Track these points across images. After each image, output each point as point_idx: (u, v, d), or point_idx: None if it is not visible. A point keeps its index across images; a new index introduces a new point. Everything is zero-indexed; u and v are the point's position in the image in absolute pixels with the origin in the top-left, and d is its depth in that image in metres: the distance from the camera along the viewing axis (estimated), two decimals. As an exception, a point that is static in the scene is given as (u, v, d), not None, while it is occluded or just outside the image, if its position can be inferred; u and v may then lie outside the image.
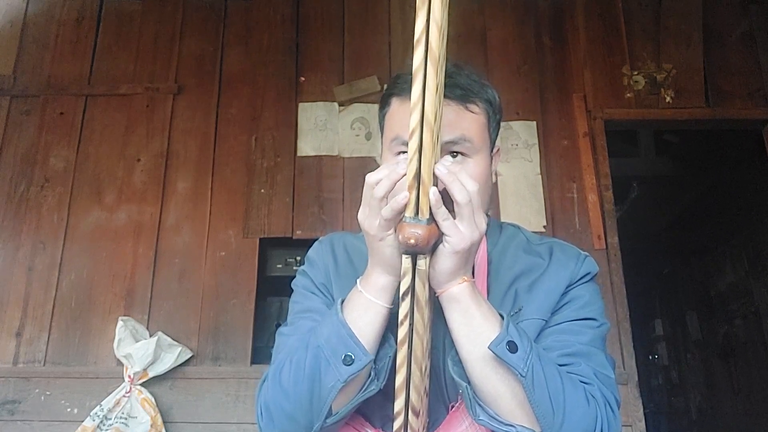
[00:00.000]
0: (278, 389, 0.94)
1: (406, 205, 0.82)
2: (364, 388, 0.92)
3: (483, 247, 1.07)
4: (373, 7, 3.35)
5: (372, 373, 0.92)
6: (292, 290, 1.16)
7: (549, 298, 1.03)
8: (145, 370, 2.60)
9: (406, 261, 0.84)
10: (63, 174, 3.05)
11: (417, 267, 0.84)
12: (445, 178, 0.83)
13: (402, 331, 0.84)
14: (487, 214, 1.03)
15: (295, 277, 1.18)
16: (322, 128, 3.11)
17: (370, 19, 3.32)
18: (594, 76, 3.20)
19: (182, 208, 3.00)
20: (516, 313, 1.00)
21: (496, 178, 1.13)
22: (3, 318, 2.82)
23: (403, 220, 0.82)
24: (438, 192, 0.81)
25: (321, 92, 3.18)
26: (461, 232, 0.84)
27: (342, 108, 3.14)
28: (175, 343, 2.70)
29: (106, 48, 3.31)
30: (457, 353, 0.91)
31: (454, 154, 1.00)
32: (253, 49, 3.28)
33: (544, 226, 2.91)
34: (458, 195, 0.83)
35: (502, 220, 1.31)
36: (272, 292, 2.96)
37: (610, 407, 0.92)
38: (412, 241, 0.80)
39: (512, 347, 0.86)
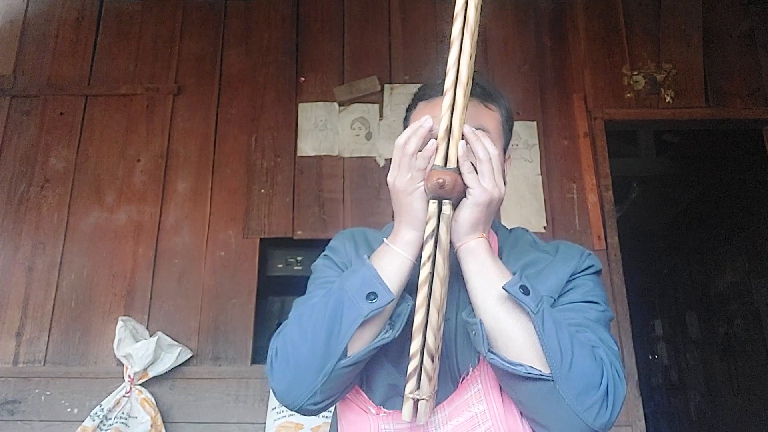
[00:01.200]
0: (297, 330, 0.97)
1: (435, 155, 0.91)
2: (379, 336, 0.95)
3: (494, 240, 1.14)
4: (373, 7, 3.35)
5: (387, 325, 0.97)
6: (309, 273, 1.20)
7: (554, 283, 1.08)
8: (145, 370, 2.60)
9: (432, 206, 0.91)
10: (63, 174, 3.05)
11: (442, 212, 0.91)
12: (469, 136, 0.94)
13: (424, 272, 0.90)
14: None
15: (295, 276, 1.21)
16: (322, 128, 3.11)
17: (370, 19, 3.32)
18: (594, 76, 3.20)
19: (182, 208, 3.00)
20: None
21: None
22: (3, 318, 2.82)
23: (434, 167, 0.91)
24: (465, 144, 0.92)
25: (321, 92, 3.18)
26: (482, 186, 0.93)
27: (342, 108, 3.14)
28: (175, 343, 2.70)
29: (106, 48, 3.31)
30: (471, 311, 0.97)
31: None
32: (253, 49, 3.28)
33: (545, 227, 2.91)
34: (480, 152, 0.94)
35: (503, 220, 1.37)
36: (272, 292, 2.96)
37: (616, 371, 0.95)
38: (440, 180, 0.88)
39: (525, 291, 0.91)
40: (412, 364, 0.90)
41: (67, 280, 2.87)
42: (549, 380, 0.89)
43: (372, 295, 0.93)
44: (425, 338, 0.89)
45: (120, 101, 3.18)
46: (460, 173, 0.92)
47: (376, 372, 1.03)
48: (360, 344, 0.94)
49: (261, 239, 2.93)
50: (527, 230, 1.25)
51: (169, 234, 2.95)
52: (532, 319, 0.90)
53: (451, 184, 0.89)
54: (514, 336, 0.91)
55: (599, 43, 3.27)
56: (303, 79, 3.21)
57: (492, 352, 0.92)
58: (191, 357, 2.73)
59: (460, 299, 1.02)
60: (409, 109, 1.20)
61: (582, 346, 0.93)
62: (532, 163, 3.04)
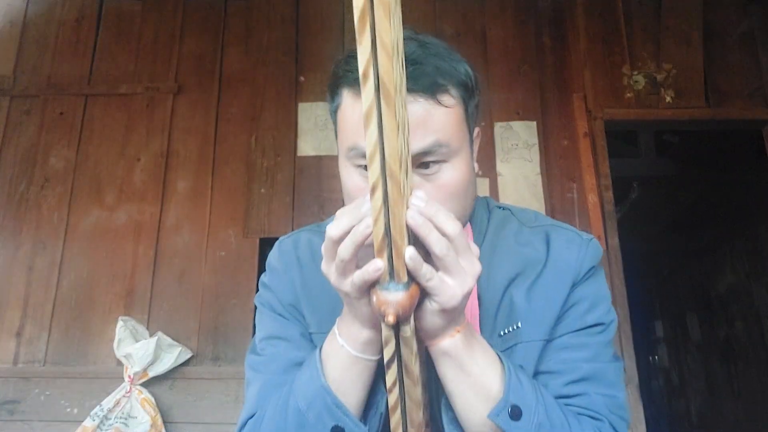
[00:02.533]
0: None
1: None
2: None
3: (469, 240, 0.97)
4: (373, 7, 3.34)
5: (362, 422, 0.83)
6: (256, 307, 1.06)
7: (551, 308, 0.90)
8: (145, 370, 2.60)
9: (387, 328, 0.70)
10: (63, 174, 3.05)
11: (401, 333, 0.70)
12: (419, 231, 0.67)
13: (392, 398, 0.75)
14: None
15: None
16: (322, 128, 3.11)
17: (370, 19, 3.32)
18: (594, 76, 3.20)
19: (182, 208, 3.00)
20: (514, 330, 0.90)
21: (479, 168, 0.99)
22: (3, 318, 2.82)
23: (377, 286, 0.68)
24: (416, 251, 0.66)
25: (321, 92, 3.18)
26: (450, 287, 0.70)
27: (342, 108, 3.14)
28: (175, 343, 2.70)
29: (106, 48, 3.31)
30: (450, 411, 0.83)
31: (426, 163, 0.84)
32: (253, 49, 3.28)
33: (545, 226, 2.91)
34: (436, 247, 0.68)
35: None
36: (272, 292, 2.96)
37: None
38: (391, 318, 0.66)
39: (515, 413, 0.76)
40: None
41: (67, 280, 2.87)
42: None
43: (338, 430, 0.78)
44: None
45: (120, 101, 3.19)
46: (415, 280, 0.68)
47: None
48: None
49: (261, 239, 2.93)
50: (511, 210, 1.03)
51: (169, 234, 2.95)
52: None
53: (407, 309, 0.67)
54: None
55: (599, 43, 3.27)
56: (303, 78, 3.22)
57: None
58: (191, 357, 2.73)
59: (440, 385, 0.83)
60: (333, 96, 0.92)
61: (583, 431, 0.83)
62: (532, 163, 3.03)
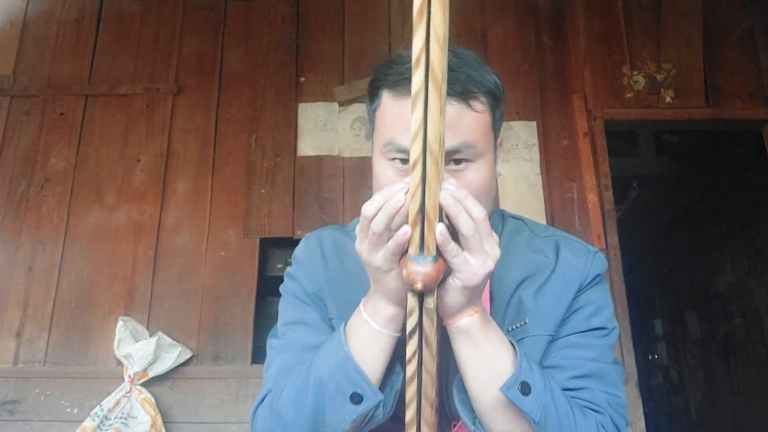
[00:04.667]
0: (277, 421, 0.91)
1: (410, 240, 0.75)
2: (369, 418, 0.86)
3: None
4: (373, 7, 3.34)
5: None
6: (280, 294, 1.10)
7: (557, 308, 0.97)
8: (145, 370, 2.61)
9: (412, 299, 0.77)
10: (63, 174, 3.05)
11: (424, 305, 0.77)
12: (450, 210, 0.74)
13: (410, 369, 0.80)
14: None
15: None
16: (322, 128, 3.11)
17: (370, 19, 3.32)
18: (594, 76, 3.20)
19: (182, 208, 3.00)
20: (521, 326, 0.96)
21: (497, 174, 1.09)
22: (3, 318, 2.82)
23: (408, 257, 0.75)
24: (445, 228, 0.74)
25: (321, 92, 3.18)
26: (472, 266, 0.77)
27: (342, 108, 3.14)
28: (175, 343, 2.70)
29: (106, 48, 3.31)
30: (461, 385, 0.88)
31: (456, 160, 0.91)
32: (253, 49, 3.28)
33: (544, 226, 2.91)
34: (464, 227, 0.75)
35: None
36: (272, 292, 2.96)
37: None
38: (419, 285, 0.73)
39: (525, 389, 0.82)
40: None
41: (67, 280, 2.87)
42: None
43: (356, 396, 0.83)
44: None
45: (120, 101, 3.18)
46: (442, 256, 0.76)
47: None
48: (350, 430, 0.87)
49: (261, 239, 2.94)
50: (523, 220, 1.11)
51: (169, 234, 2.95)
52: (533, 426, 0.83)
53: (433, 280, 0.74)
54: None
55: (599, 43, 3.27)
56: (303, 79, 3.21)
57: None
58: (191, 357, 2.73)
59: (451, 358, 0.89)
60: (373, 98, 0.99)
61: (585, 420, 0.87)
62: (532, 163, 3.04)
